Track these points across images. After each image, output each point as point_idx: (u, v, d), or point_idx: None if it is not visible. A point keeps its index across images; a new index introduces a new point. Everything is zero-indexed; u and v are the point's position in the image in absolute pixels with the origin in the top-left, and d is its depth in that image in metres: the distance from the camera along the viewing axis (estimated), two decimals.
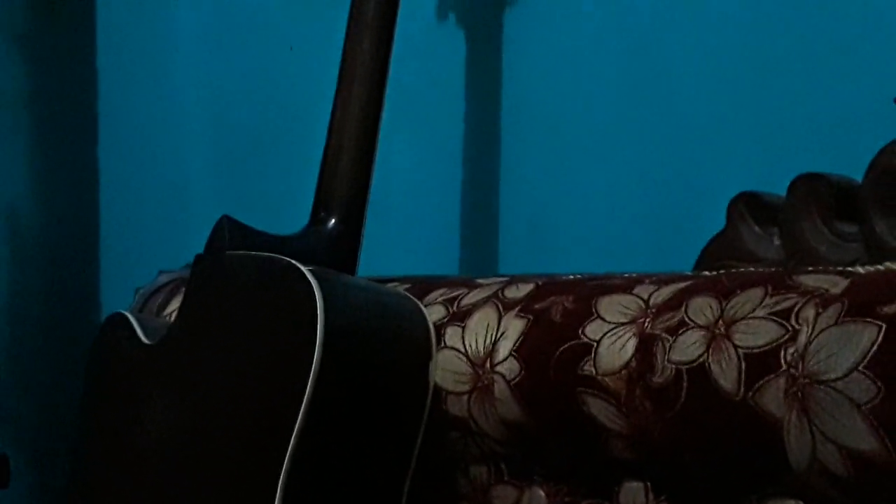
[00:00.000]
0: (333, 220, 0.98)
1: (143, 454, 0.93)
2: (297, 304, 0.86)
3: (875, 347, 0.68)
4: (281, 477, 0.83)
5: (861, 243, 0.82)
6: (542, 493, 0.87)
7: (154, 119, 1.43)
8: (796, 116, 0.92)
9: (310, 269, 0.86)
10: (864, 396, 0.68)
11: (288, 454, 0.83)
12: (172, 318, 1.01)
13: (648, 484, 0.82)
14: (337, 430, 0.86)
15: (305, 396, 0.83)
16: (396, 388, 0.89)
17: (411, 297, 0.93)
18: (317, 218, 0.98)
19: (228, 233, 0.94)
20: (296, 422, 0.83)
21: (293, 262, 0.88)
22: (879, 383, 0.67)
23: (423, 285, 0.96)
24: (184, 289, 1.00)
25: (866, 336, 0.68)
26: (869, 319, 0.69)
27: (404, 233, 1.14)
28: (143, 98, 1.43)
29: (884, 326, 0.68)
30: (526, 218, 1.08)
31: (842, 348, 0.69)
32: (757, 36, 0.94)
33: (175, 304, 1.08)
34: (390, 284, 0.96)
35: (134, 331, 0.98)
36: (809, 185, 0.84)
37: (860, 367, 0.68)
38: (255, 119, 1.31)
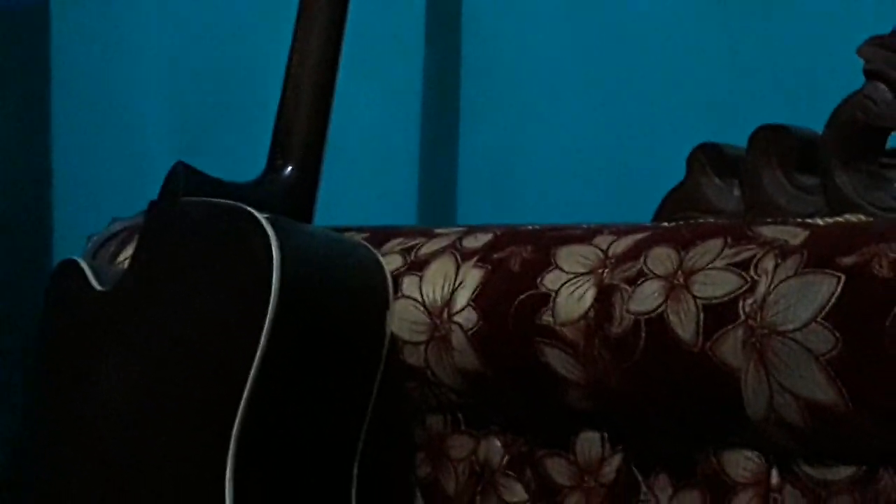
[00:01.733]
0: (290, 168, 0.97)
1: (95, 403, 0.92)
2: (252, 252, 0.85)
3: (833, 299, 0.68)
4: (235, 427, 0.82)
5: (821, 196, 0.82)
6: (498, 443, 0.87)
7: (108, 62, 1.41)
8: (758, 67, 0.91)
9: (265, 217, 0.85)
10: (822, 347, 0.68)
11: (242, 404, 0.82)
12: (126, 266, 1.00)
13: (605, 434, 0.82)
14: (292, 379, 0.85)
15: (260, 346, 0.83)
16: (352, 338, 0.88)
17: (368, 245, 0.92)
18: (273, 165, 0.97)
19: (184, 179, 0.93)
20: (250, 371, 0.83)
21: (249, 208, 0.87)
22: (837, 334, 0.67)
23: (381, 235, 0.95)
24: (137, 236, 0.98)
25: (825, 287, 0.68)
26: (828, 271, 0.69)
27: (362, 182, 1.13)
28: (97, 40, 1.41)
29: (843, 277, 0.68)
30: (485, 169, 1.08)
31: (800, 299, 0.69)
32: None
33: (128, 252, 1.06)
34: (347, 234, 0.95)
35: (86, 278, 0.97)
36: (770, 137, 0.84)
37: (818, 318, 0.68)
38: (213, 64, 1.29)
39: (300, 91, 0.98)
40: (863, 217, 0.77)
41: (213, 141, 1.27)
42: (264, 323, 0.83)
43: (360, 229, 0.97)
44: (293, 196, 0.97)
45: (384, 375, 0.88)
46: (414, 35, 1.11)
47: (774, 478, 0.73)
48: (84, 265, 0.99)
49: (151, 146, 1.37)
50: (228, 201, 0.89)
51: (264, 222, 0.85)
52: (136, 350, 0.91)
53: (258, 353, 0.83)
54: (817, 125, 0.82)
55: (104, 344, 0.93)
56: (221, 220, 0.89)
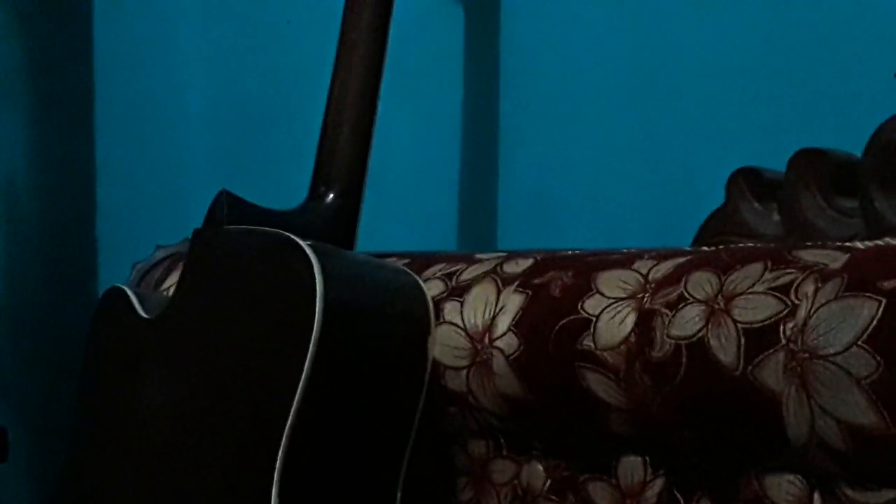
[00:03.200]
0: (332, 195, 0.98)
1: (141, 429, 0.93)
2: (295, 279, 0.86)
3: (875, 322, 0.68)
4: (279, 453, 0.83)
5: (861, 219, 0.82)
6: (540, 467, 0.87)
7: (152, 93, 1.43)
8: (797, 91, 0.91)
9: (308, 244, 0.86)
10: (863, 371, 0.68)
11: (286, 430, 0.83)
12: (170, 293, 1.01)
13: (647, 458, 0.82)
14: (335, 405, 0.86)
15: (304, 372, 0.83)
16: (395, 364, 0.89)
17: (410, 271, 0.93)
18: (315, 193, 0.98)
19: (227, 207, 0.94)
20: (294, 397, 0.83)
21: (292, 236, 0.88)
22: (879, 358, 0.67)
23: (422, 260, 0.96)
24: (182, 263, 0.99)
25: (866, 311, 0.68)
26: (869, 294, 0.69)
27: (403, 208, 1.13)
28: (142, 71, 1.43)
29: (883, 301, 0.68)
30: (525, 194, 1.08)
31: (841, 323, 0.69)
32: (759, 10, 0.94)
33: (173, 279, 1.08)
34: (389, 259, 0.96)
35: (132, 305, 0.98)
36: (809, 161, 0.84)
37: (860, 342, 0.68)
38: (255, 93, 1.30)
39: (342, 118, 0.99)
40: None
41: (255, 169, 1.28)
42: (308, 348, 0.83)
43: (401, 255, 0.98)
44: (335, 223, 0.97)
45: (426, 400, 0.89)
46: (453, 60, 1.12)
47: (817, 501, 0.73)
48: (129, 292, 1.00)
49: (194, 174, 1.39)
50: (272, 229, 0.90)
51: (307, 249, 0.86)
52: (181, 375, 0.92)
53: (302, 378, 0.83)
54: (857, 148, 0.82)
55: (150, 369, 0.95)
56: (265, 248, 0.90)
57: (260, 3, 1.30)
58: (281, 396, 0.84)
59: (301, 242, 0.86)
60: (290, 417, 0.83)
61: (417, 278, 0.92)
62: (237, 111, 1.34)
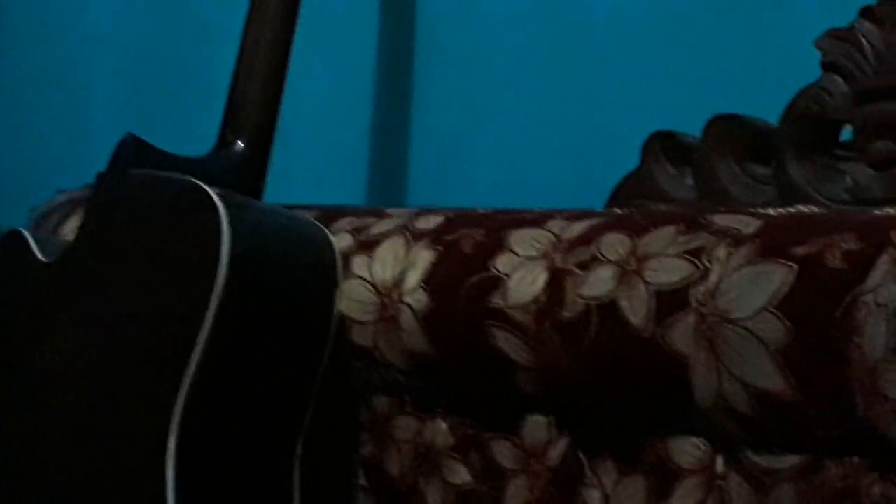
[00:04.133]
0: (241, 144, 0.96)
1: (43, 377, 0.91)
2: (201, 227, 0.84)
3: (785, 288, 0.68)
4: (178, 402, 0.81)
5: (774, 186, 0.82)
6: (444, 425, 0.87)
7: (53, 24, 1.38)
8: (714, 57, 0.91)
9: (216, 192, 0.85)
10: (772, 336, 0.68)
11: (187, 381, 0.81)
12: (70, 238, 0.98)
13: (552, 419, 0.81)
14: (238, 356, 0.85)
15: (207, 320, 0.82)
16: (300, 316, 0.88)
17: (318, 223, 0.91)
18: (224, 141, 0.96)
19: (133, 151, 0.92)
20: (196, 346, 0.82)
21: (199, 183, 0.86)
22: (788, 323, 0.67)
23: (331, 213, 0.95)
24: (81, 210, 0.97)
25: (777, 277, 0.68)
26: (780, 260, 0.69)
27: (313, 160, 1.12)
28: (45, 6, 1.38)
29: (795, 267, 0.68)
30: (438, 150, 1.07)
31: (752, 288, 0.69)
32: None
33: (72, 225, 1.05)
34: (297, 211, 0.95)
35: (31, 249, 0.96)
36: (725, 127, 0.84)
37: (770, 307, 0.68)
38: (166, 35, 1.27)
39: (253, 67, 0.97)
40: (815, 208, 0.77)
41: (163, 113, 1.25)
42: (212, 298, 0.82)
43: (309, 207, 0.96)
44: (244, 172, 0.96)
45: (331, 354, 0.88)
46: (368, 14, 1.10)
47: (720, 465, 0.73)
48: (28, 236, 0.97)
49: (97, 117, 1.35)
50: (178, 175, 0.88)
51: (214, 197, 0.84)
52: (82, 322, 0.90)
53: (205, 328, 0.82)
54: (772, 116, 0.83)
55: (51, 315, 0.92)
56: (171, 194, 0.88)
57: None
58: (183, 345, 0.82)
59: (208, 190, 0.85)
60: (191, 367, 0.82)
61: (326, 230, 0.91)
62: (146, 53, 1.30)
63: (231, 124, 0.97)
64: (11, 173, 1.40)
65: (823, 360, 0.67)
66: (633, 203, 0.87)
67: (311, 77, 1.07)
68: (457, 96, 1.06)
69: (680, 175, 0.87)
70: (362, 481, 0.91)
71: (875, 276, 0.65)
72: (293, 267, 0.89)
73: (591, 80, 0.98)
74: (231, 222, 0.83)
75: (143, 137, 0.93)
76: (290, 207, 0.94)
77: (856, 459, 0.67)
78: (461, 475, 0.85)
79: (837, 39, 0.79)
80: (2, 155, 1.41)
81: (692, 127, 0.86)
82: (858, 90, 0.78)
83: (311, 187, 1.06)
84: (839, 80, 0.79)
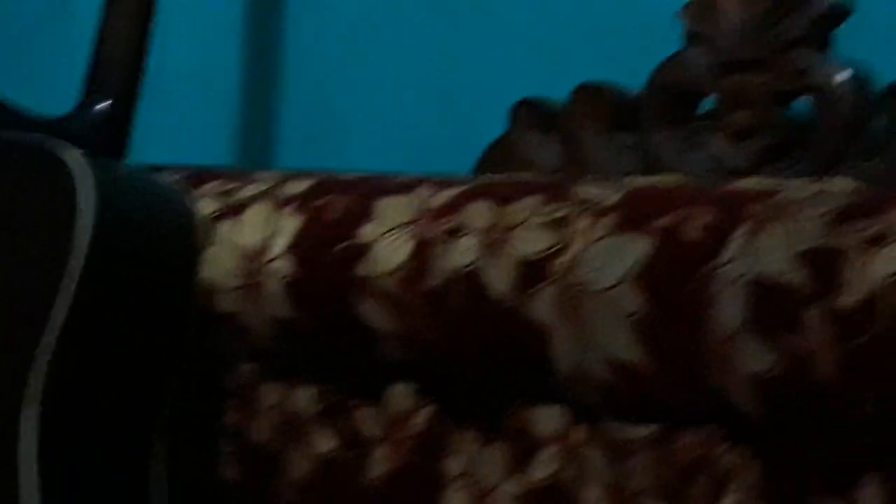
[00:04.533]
0: (104, 102, 0.94)
1: None
2: (60, 190, 0.82)
3: (645, 260, 0.69)
4: (38, 372, 0.80)
5: (638, 155, 0.83)
6: (309, 392, 0.86)
7: None
8: (580, 24, 0.92)
9: (75, 153, 0.83)
10: (631, 307, 0.69)
11: (46, 349, 0.80)
12: None
13: (417, 386, 0.82)
14: (99, 322, 0.83)
15: (64, 288, 0.80)
16: (162, 281, 0.87)
17: (179, 187, 0.90)
18: (87, 99, 0.94)
19: None
20: (54, 314, 0.80)
21: (57, 144, 0.84)
22: (647, 295, 0.68)
23: (197, 176, 0.93)
24: None
25: (638, 248, 0.69)
26: (640, 232, 0.69)
27: (180, 120, 1.09)
28: None
29: (654, 239, 0.69)
30: (307, 112, 1.06)
31: (612, 259, 0.70)
32: None
33: None
34: (161, 174, 0.93)
35: None
36: (590, 95, 0.85)
37: (629, 279, 0.69)
38: None
39: (117, 24, 0.95)
40: (677, 177, 0.78)
41: (23, 68, 1.22)
42: (68, 264, 0.81)
43: (175, 168, 0.94)
44: (106, 131, 0.94)
45: (196, 321, 0.87)
46: None
47: (579, 434, 0.74)
48: None
49: None
50: (35, 135, 0.86)
51: (71, 159, 0.82)
52: None
53: (62, 295, 0.80)
54: (638, 84, 0.83)
55: None
56: (27, 155, 0.86)
57: None
58: (39, 313, 0.81)
59: (65, 152, 0.83)
60: (50, 335, 0.80)
61: (187, 194, 0.89)
62: (4, 3, 1.26)
63: (94, 82, 0.94)
64: None
65: (679, 331, 0.68)
66: (501, 169, 0.87)
67: (178, 33, 1.05)
68: (327, 57, 1.05)
69: (547, 142, 0.87)
70: (228, 448, 0.90)
71: (731, 249, 0.66)
72: (153, 232, 0.87)
73: (460, 45, 0.98)
74: (87, 185, 0.81)
75: (1, 92, 0.90)
76: (156, 168, 0.93)
77: (709, 429, 0.68)
78: (326, 443, 0.85)
79: (699, 11, 0.79)
80: None
81: (559, 94, 0.86)
82: (719, 62, 0.79)
83: (179, 147, 1.05)
84: (700, 50, 0.80)
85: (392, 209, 0.81)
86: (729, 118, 0.79)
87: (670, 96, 0.81)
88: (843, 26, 0.77)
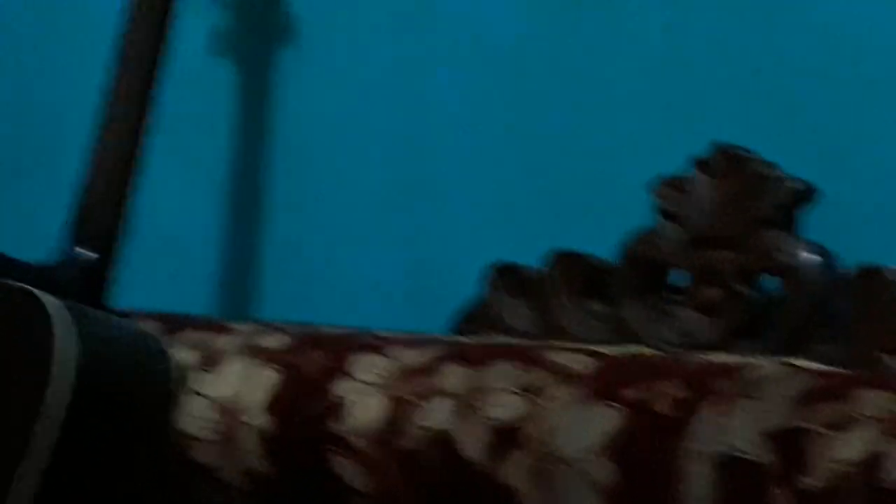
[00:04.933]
0: (85, 250, 0.96)
1: None
2: (34, 339, 0.84)
3: (616, 431, 0.70)
4: None
5: (610, 324, 0.85)
6: None
7: None
8: (555, 190, 0.94)
9: (52, 301, 0.84)
10: (600, 476, 0.70)
11: (24, 487, 0.81)
12: None
13: None
14: (70, 472, 0.84)
15: (37, 434, 0.81)
16: (138, 432, 0.87)
17: (158, 338, 0.91)
18: (68, 248, 0.96)
19: None
20: (26, 459, 0.81)
21: (36, 292, 0.85)
22: (616, 464, 0.70)
23: (174, 323, 0.94)
24: None
25: (608, 418, 0.71)
26: (610, 402, 0.71)
27: (162, 267, 1.11)
28: None
29: (624, 410, 0.71)
30: (286, 264, 1.08)
31: (584, 428, 0.72)
32: (520, 108, 0.97)
33: None
34: (137, 323, 0.94)
35: None
36: (564, 263, 0.87)
37: (599, 448, 0.70)
38: (12, 136, 1.25)
39: (101, 173, 0.97)
40: (646, 349, 0.80)
41: (8, 215, 1.23)
42: (41, 409, 0.81)
43: (155, 316, 0.96)
44: (86, 279, 0.95)
45: (172, 472, 0.87)
46: (224, 120, 1.11)
47: None
48: None
49: None
50: (15, 283, 0.88)
51: (49, 306, 0.84)
52: None
53: (36, 440, 0.81)
54: (610, 251, 0.85)
55: None
56: (7, 302, 0.87)
57: (25, 44, 1.25)
58: (11, 456, 0.81)
59: (44, 300, 0.84)
60: (17, 480, 0.81)
61: (164, 345, 0.90)
62: None
63: (77, 232, 0.96)
64: None
65: (648, 502, 0.69)
66: (475, 330, 0.89)
67: (163, 184, 1.07)
68: (308, 210, 1.07)
69: (520, 306, 0.89)
70: None
71: (699, 424, 0.68)
72: (128, 380, 0.88)
73: (436, 203, 1.00)
74: (65, 333, 0.83)
75: None
76: (137, 313, 0.94)
77: None
78: None
79: (672, 188, 0.82)
80: None
81: (534, 256, 0.88)
82: (691, 237, 0.82)
83: (161, 294, 1.06)
84: (672, 225, 0.82)
85: (367, 367, 0.83)
86: (699, 293, 0.81)
87: (642, 268, 0.84)
88: (811, 209, 0.80)
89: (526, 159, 0.96)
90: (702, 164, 0.82)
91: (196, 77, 1.09)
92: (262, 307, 1.09)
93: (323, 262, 1.05)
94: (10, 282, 0.89)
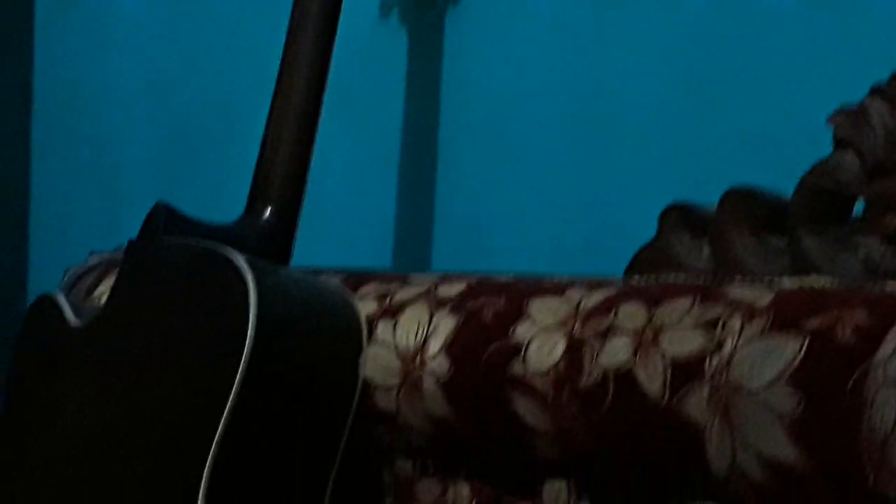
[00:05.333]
0: (269, 211, 0.98)
1: (63, 442, 0.92)
2: (228, 294, 0.86)
3: (797, 360, 0.69)
4: (205, 472, 0.83)
5: (788, 257, 0.84)
6: (466, 489, 0.88)
7: (90, 98, 1.42)
8: (731, 128, 0.93)
9: (243, 259, 0.87)
10: (784, 407, 0.69)
11: (213, 445, 0.83)
12: (102, 302, 1.01)
13: (571, 484, 0.83)
14: (264, 422, 0.86)
15: (234, 386, 0.84)
16: (325, 381, 0.90)
17: (344, 289, 0.93)
18: (252, 208, 0.99)
19: (164, 218, 0.94)
20: (223, 411, 0.83)
21: (226, 250, 0.88)
22: (800, 395, 0.69)
23: (356, 278, 0.97)
24: (115, 271, 0.99)
25: (789, 348, 0.70)
26: (792, 332, 0.70)
27: (339, 226, 1.14)
28: (80, 76, 1.42)
29: (807, 340, 0.70)
30: (461, 218, 1.09)
31: (765, 359, 0.71)
32: (693, 47, 0.96)
33: (105, 286, 1.07)
34: (323, 277, 0.97)
35: (62, 313, 0.98)
36: (740, 200, 0.86)
37: (782, 379, 0.70)
38: (195, 105, 1.30)
39: (281, 135, 1.00)
40: (828, 280, 0.79)
41: (193, 180, 1.28)
42: (239, 365, 0.84)
43: (336, 272, 0.98)
44: (271, 238, 0.98)
45: (355, 418, 0.89)
46: (395, 82, 1.13)
47: None
48: (60, 300, 0.99)
49: (131, 182, 1.38)
50: (207, 242, 0.90)
51: (241, 264, 0.86)
52: (108, 383, 0.92)
53: (232, 394, 0.84)
54: (788, 185, 0.84)
55: (76, 379, 0.94)
56: (199, 261, 0.90)
57: (206, 15, 1.30)
58: (209, 411, 0.84)
59: (235, 257, 0.87)
60: (218, 433, 0.83)
61: (351, 296, 0.93)
62: (178, 121, 1.33)
63: (259, 191, 0.99)
64: (49, 237, 1.43)
65: (834, 432, 0.68)
66: (651, 272, 0.89)
67: (339, 145, 1.10)
68: (480, 164, 1.08)
69: (696, 245, 0.88)
70: None
71: (885, 350, 0.66)
72: (319, 333, 0.90)
73: (610, 150, 1.00)
74: (257, 290, 0.85)
75: (175, 204, 0.95)
76: (318, 271, 0.96)
77: None
78: None
79: (849, 116, 0.81)
80: (39, 217, 1.44)
81: (710, 196, 0.87)
82: (869, 166, 0.80)
83: (339, 253, 1.08)
84: (851, 156, 0.81)
85: (545, 309, 0.83)
86: (879, 221, 0.80)
87: (821, 200, 0.82)
88: None
89: (700, 98, 0.95)
90: (880, 92, 0.80)
91: (370, 38, 1.11)
92: (438, 263, 1.10)
93: (496, 211, 1.06)
94: (200, 241, 0.92)
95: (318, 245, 1.04)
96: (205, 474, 0.83)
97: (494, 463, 0.87)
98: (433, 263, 1.11)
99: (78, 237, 1.33)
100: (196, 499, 0.82)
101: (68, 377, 0.95)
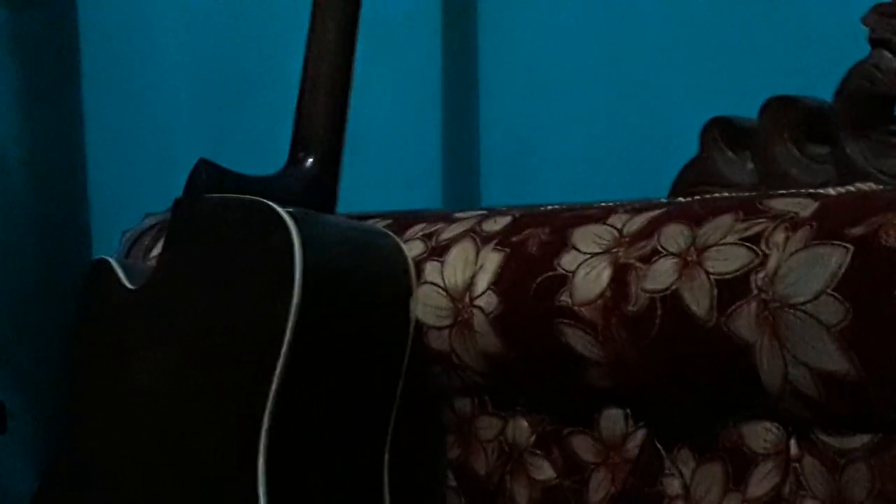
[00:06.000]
0: (311, 160, 0.98)
1: (131, 399, 0.94)
2: (274, 246, 0.86)
3: (843, 270, 0.68)
4: (265, 416, 0.83)
5: (832, 165, 0.82)
6: (525, 422, 0.88)
7: (136, 63, 1.43)
8: (765, 38, 0.91)
9: (287, 210, 0.87)
10: (833, 318, 0.68)
11: (271, 394, 0.84)
12: (155, 263, 1.01)
13: (627, 411, 0.82)
14: (319, 369, 0.87)
15: (286, 337, 0.84)
16: (378, 326, 0.90)
17: (390, 233, 0.93)
18: (294, 158, 0.98)
19: (205, 176, 0.94)
20: (278, 362, 0.84)
21: (269, 202, 0.88)
22: (848, 305, 0.68)
23: (403, 221, 0.96)
24: (165, 234, 1.00)
25: (835, 258, 0.69)
26: (837, 242, 0.69)
27: (384, 168, 1.14)
28: (124, 39, 1.43)
29: (852, 248, 0.68)
30: (505, 150, 1.08)
31: (811, 271, 0.70)
32: None
33: (160, 247, 1.08)
34: (370, 221, 0.96)
35: (117, 276, 0.99)
36: (780, 108, 0.84)
37: (829, 290, 0.68)
38: (235, 60, 1.30)
39: (318, 83, 0.99)
40: (873, 185, 0.77)
41: (238, 135, 1.28)
42: (289, 315, 0.84)
43: (383, 215, 0.98)
44: (315, 187, 0.98)
45: (411, 361, 0.89)
46: (430, 19, 1.12)
47: (793, 448, 0.74)
48: (114, 264, 1.00)
49: (180, 141, 1.39)
50: (249, 197, 0.91)
51: (285, 216, 0.86)
52: (165, 345, 0.93)
53: (285, 344, 0.84)
54: (827, 94, 0.82)
55: (135, 341, 0.95)
56: (243, 216, 0.90)
57: None
58: (264, 362, 0.84)
59: (278, 209, 0.87)
60: (274, 383, 0.84)
61: (398, 239, 0.92)
62: (220, 78, 1.33)
63: (299, 141, 0.99)
64: (106, 200, 1.45)
65: (884, 339, 0.67)
66: (695, 190, 0.88)
67: (378, 86, 1.09)
68: (521, 95, 1.07)
69: (739, 160, 0.87)
70: (452, 482, 0.93)
71: None
72: (367, 278, 0.90)
73: (648, 72, 0.99)
74: (302, 239, 0.85)
75: (224, 157, 0.95)
76: (364, 217, 0.96)
77: None
78: (545, 471, 0.87)
79: (884, 15, 0.78)
80: (98, 183, 1.45)
81: (749, 110, 0.86)
82: None
83: (386, 195, 1.08)
84: (888, 55, 0.79)
85: (589, 238, 0.82)
86: None
87: (861, 103, 0.80)
88: None
89: (734, 11, 0.93)
90: None
91: None
92: (486, 197, 1.10)
93: (541, 142, 1.06)
94: (242, 196, 0.92)
95: (364, 189, 1.03)
96: (265, 420, 0.83)
97: (550, 395, 0.86)
98: (481, 198, 1.10)
99: (135, 200, 1.34)
100: (258, 442, 0.83)
101: (127, 338, 0.96)
